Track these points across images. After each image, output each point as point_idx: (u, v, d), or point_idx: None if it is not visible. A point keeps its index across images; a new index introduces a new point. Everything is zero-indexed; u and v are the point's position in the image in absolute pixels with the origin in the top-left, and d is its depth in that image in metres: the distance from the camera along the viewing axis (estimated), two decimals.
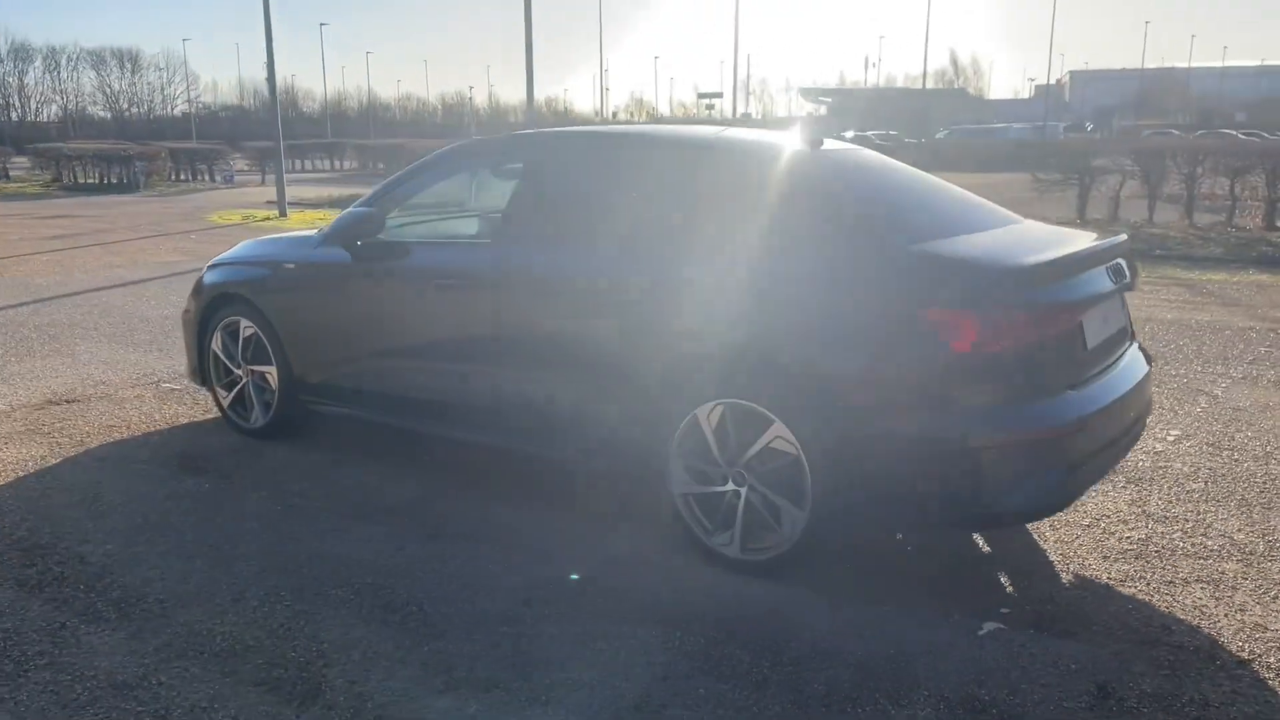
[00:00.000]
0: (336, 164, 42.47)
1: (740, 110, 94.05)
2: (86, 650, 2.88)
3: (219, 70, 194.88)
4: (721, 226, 3.44)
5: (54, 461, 4.57)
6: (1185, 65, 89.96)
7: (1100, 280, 3.24)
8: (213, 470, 4.46)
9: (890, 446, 2.98)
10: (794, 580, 3.22)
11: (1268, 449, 4.55)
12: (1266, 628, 2.93)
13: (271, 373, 4.72)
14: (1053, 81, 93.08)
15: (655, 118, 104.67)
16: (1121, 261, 3.40)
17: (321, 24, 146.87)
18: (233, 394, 4.94)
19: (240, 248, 5.15)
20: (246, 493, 4.18)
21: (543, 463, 4.16)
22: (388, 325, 4.24)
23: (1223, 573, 3.29)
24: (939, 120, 68.80)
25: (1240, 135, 49.71)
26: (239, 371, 4.88)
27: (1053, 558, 3.43)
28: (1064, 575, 3.31)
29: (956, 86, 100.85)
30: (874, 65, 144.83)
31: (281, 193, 18.47)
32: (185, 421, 5.23)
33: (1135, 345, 3.69)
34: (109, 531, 3.75)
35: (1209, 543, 3.53)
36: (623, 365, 3.53)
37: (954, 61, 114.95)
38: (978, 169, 34.68)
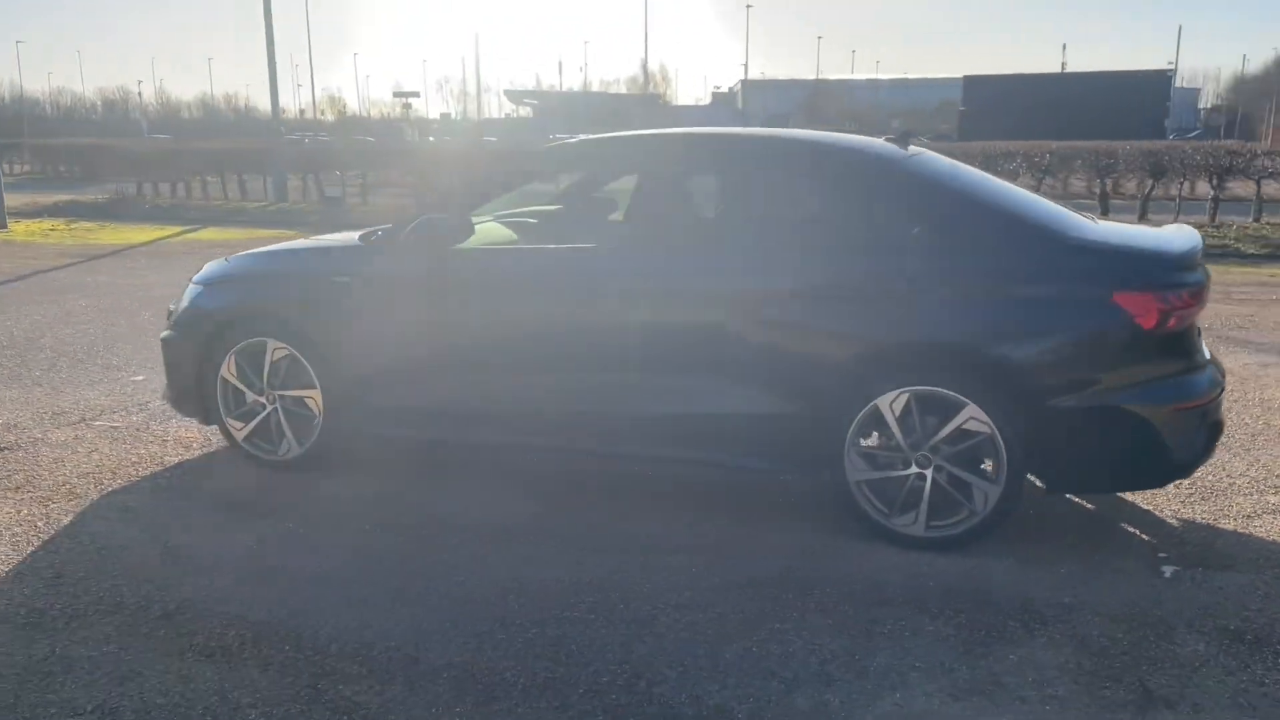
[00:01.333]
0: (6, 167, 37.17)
1: (441, 111, 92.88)
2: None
3: None
4: (878, 228, 3.67)
5: (65, 519, 3.92)
6: (844, 77, 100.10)
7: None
8: (279, 509, 4.02)
9: (1088, 417, 3.36)
10: (980, 551, 3.52)
11: None
12: None
13: (314, 397, 4.31)
14: (728, 89, 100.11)
15: (345, 116, 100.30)
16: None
17: None
18: (252, 424, 4.44)
19: (242, 262, 4.65)
20: (345, 527, 3.83)
21: (668, 469, 4.17)
22: (491, 336, 4.04)
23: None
24: (636, 125, 71.85)
25: (897, 139, 56.90)
26: (260, 399, 4.40)
27: (1161, 512, 3.96)
28: (1177, 523, 3.85)
29: (650, 92, 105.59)
30: (581, 69, 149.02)
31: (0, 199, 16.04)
32: (175, 460, 4.63)
33: None
34: (236, 586, 3.32)
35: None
36: (788, 364, 3.65)
37: (644, 68, 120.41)
38: None
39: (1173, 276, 3.38)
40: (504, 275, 4.04)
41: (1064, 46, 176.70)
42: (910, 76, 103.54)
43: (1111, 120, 44.29)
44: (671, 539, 3.70)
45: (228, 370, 4.43)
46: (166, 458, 4.67)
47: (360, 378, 4.25)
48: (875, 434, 3.60)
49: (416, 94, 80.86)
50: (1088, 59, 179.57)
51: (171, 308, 4.82)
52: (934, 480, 3.52)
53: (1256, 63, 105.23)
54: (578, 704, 2.62)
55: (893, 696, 2.66)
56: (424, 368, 4.18)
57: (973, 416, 3.43)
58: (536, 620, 3.07)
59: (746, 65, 79.59)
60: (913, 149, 4.09)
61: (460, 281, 4.07)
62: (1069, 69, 73.15)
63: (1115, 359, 3.37)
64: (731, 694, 2.67)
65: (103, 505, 4.08)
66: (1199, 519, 3.86)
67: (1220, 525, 3.80)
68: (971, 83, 59.12)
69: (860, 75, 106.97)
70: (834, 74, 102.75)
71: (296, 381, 4.34)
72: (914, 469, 3.55)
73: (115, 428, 5.13)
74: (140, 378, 6.16)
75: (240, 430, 4.49)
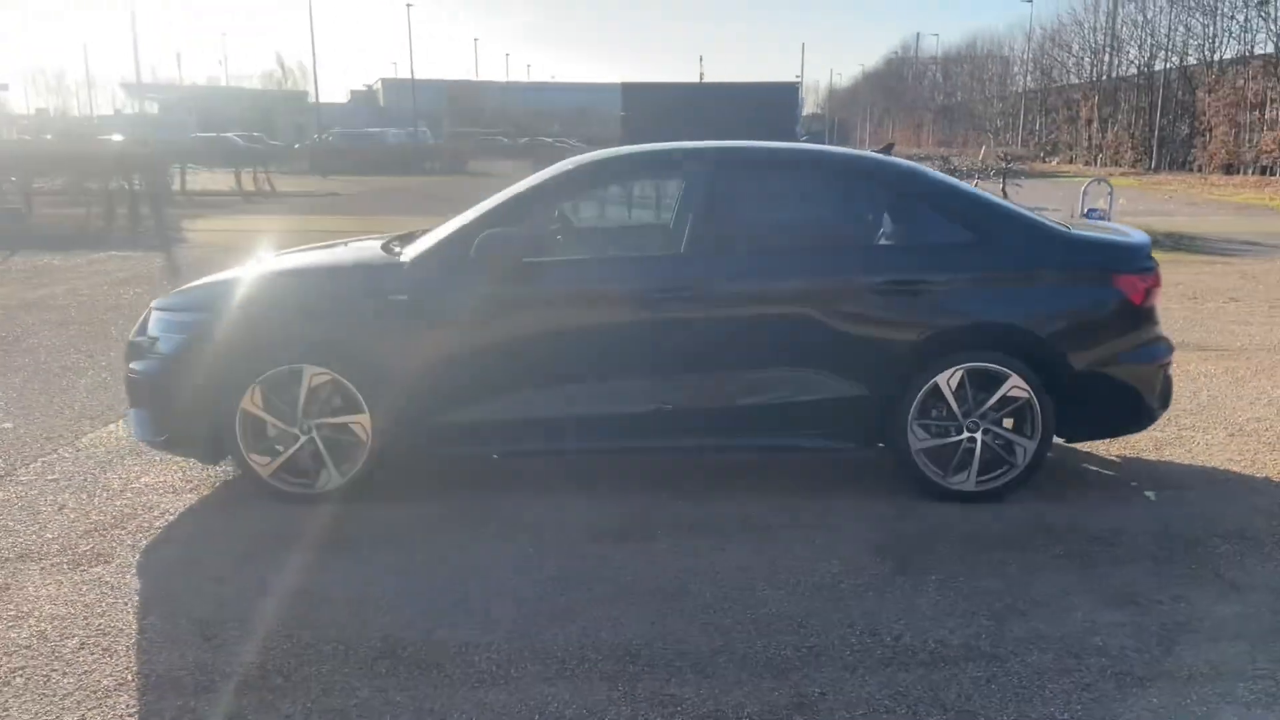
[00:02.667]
0: None
1: (38, 106, 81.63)
2: None
3: None
4: (927, 228, 4.27)
5: (134, 581, 3.50)
6: (493, 78, 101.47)
7: None
8: (423, 530, 3.86)
9: (1098, 377, 4.19)
10: (1016, 500, 4.24)
11: None
12: None
13: (361, 422, 4.13)
14: (367, 87, 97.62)
15: None
16: None
17: None
18: (282, 457, 4.15)
19: (258, 285, 4.32)
20: (506, 544, 3.77)
21: (733, 458, 4.49)
22: (575, 344, 4.13)
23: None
24: (284, 122, 68.41)
25: (555, 142, 59.23)
26: (291, 429, 4.13)
27: (1102, 455, 4.93)
28: (1118, 460, 4.83)
29: (289, 88, 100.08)
30: (221, 63, 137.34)
31: None
32: (180, 507, 4.20)
33: None
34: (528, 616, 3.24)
35: None
36: (854, 352, 4.15)
37: (281, 64, 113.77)
38: (363, 172, 36.18)
39: (1147, 263, 4.31)
40: (585, 285, 4.15)
41: (701, 58, 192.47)
42: (558, 80, 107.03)
43: (753, 126, 48.91)
44: (772, 518, 4.06)
45: (250, 402, 4.10)
46: (164, 504, 4.21)
47: (422, 397, 4.15)
48: (934, 408, 4.19)
49: (5, 86, 70.39)
50: (721, 70, 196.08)
51: (140, 339, 4.33)
52: (983, 443, 4.19)
53: (846, 76, 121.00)
54: (844, 657, 2.95)
55: (1074, 616, 3.26)
56: (501, 381, 4.16)
57: (1015, 385, 4.14)
58: (738, 599, 3.33)
59: (408, 64, 77.81)
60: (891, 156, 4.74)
61: (539, 293, 4.12)
62: (706, 79, 79.57)
63: (1116, 329, 4.23)
64: (950, 630, 3.13)
65: (162, 559, 3.66)
66: (1130, 454, 4.87)
67: (1145, 457, 4.83)
68: (629, 90, 62.48)
69: (517, 78, 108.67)
70: (493, 77, 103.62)
71: (340, 408, 4.13)
72: (966, 434, 4.19)
73: (54, 479, 4.49)
74: (8, 425, 5.33)
75: (266, 465, 4.17)
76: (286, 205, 22.18)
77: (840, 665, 2.94)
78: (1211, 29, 40.43)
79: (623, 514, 4.10)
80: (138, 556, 3.70)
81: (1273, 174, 33.76)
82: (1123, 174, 36.69)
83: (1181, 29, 42.16)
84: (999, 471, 4.23)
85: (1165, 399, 4.42)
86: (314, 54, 68.45)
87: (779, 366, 4.18)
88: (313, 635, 3.11)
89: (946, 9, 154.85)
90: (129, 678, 2.87)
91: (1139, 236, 4.51)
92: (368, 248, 4.69)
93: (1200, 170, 37.56)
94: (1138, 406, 4.32)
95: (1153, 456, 4.85)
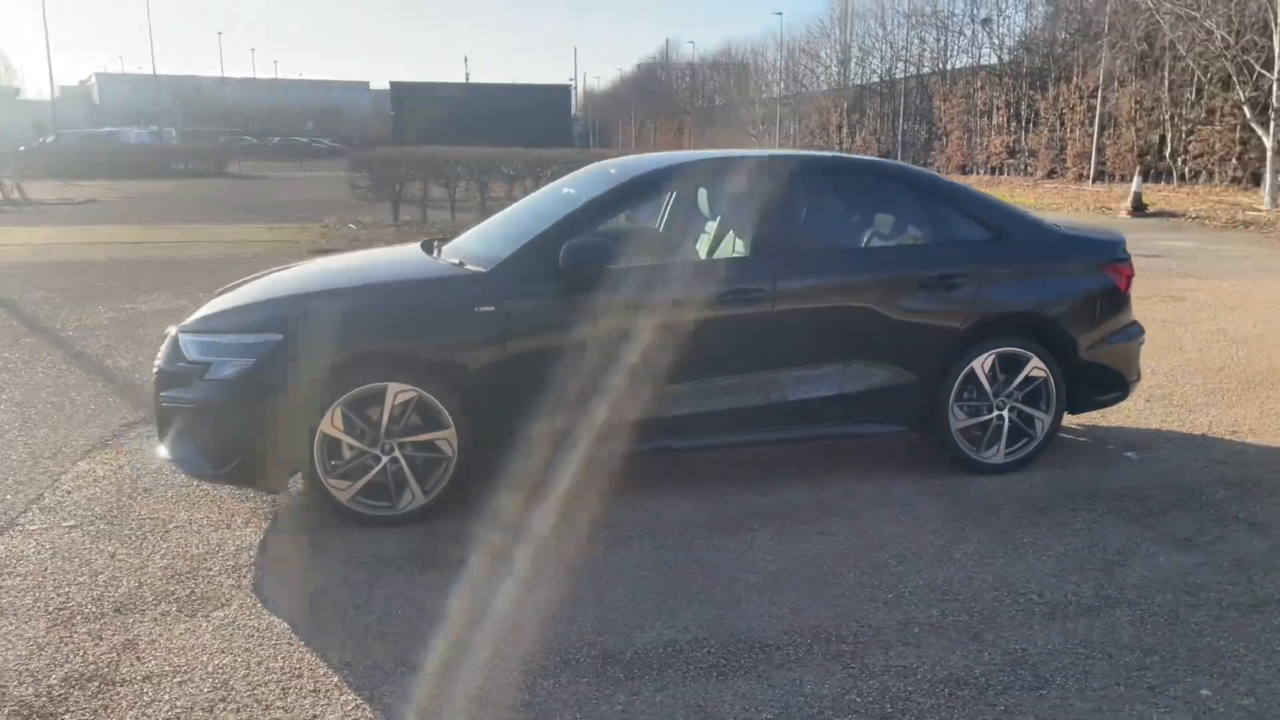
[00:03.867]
0: None
1: None
2: None
3: None
4: (958, 228, 4.70)
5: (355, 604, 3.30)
6: (246, 75, 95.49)
7: None
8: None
9: (1096, 354, 4.80)
10: (1031, 469, 4.78)
11: None
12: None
13: (447, 438, 4.04)
14: (79, 82, 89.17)
15: None
16: None
17: None
18: (363, 480, 3.99)
19: (328, 301, 4.17)
20: (629, 546, 3.80)
21: (777, 447, 4.72)
22: (662, 347, 4.22)
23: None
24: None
25: (310, 142, 56.68)
26: (373, 450, 3.99)
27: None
28: (1081, 427, 5.51)
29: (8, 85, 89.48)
30: None
31: None
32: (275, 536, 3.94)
33: None
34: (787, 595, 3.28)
35: None
36: (906, 342, 4.54)
37: None
38: (105, 176, 33.43)
39: (1125, 254, 4.97)
40: (665, 290, 4.25)
41: (466, 58, 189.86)
42: (307, 78, 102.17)
43: (528, 127, 49.26)
44: (845, 502, 4.36)
45: (330, 424, 3.92)
46: (232, 540, 3.93)
47: (508, 408, 4.11)
48: (968, 390, 4.64)
49: None
50: (483, 73, 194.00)
51: (180, 366, 4.01)
52: (1009, 419, 4.69)
53: (604, 80, 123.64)
54: (1014, 616, 3.31)
55: (1159, 561, 3.78)
56: (586, 386, 4.18)
57: (1035, 365, 4.67)
58: (882, 576, 3.61)
59: (133, 56, 71.37)
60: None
61: (623, 299, 4.18)
62: (472, 79, 78.97)
63: (1108, 313, 4.85)
64: (1076, 584, 3.56)
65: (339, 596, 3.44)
66: (1085, 424, 5.56)
67: (1098, 425, 5.55)
68: (400, 89, 60.95)
69: (262, 74, 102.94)
70: (238, 72, 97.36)
71: (423, 425, 4.02)
72: (995, 413, 4.68)
73: (74, 525, 4.05)
74: None
75: (345, 490, 3.99)
76: (50, 215, 20.10)
77: (1017, 623, 3.28)
78: (944, 42, 44.88)
79: (706, 509, 4.26)
80: (255, 596, 3.46)
81: (1001, 174, 37.98)
82: None
83: (917, 41, 46.49)
84: (1021, 443, 4.75)
85: (1139, 372, 5.11)
86: (47, 43, 61.21)
87: (843, 359, 4.48)
88: (520, 650, 3.07)
89: (701, 18, 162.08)
90: (378, 713, 2.74)
91: (1115, 233, 5.18)
92: (419, 256, 4.59)
93: (940, 171, 41.61)
94: (1124, 379, 4.98)
95: (1102, 424, 5.56)
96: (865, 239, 4.72)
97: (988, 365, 4.63)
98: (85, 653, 3.08)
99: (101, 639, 3.16)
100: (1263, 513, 4.26)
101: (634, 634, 3.21)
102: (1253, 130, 24.46)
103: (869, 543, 3.93)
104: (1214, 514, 4.24)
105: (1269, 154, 21.71)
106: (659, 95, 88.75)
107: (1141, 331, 5.06)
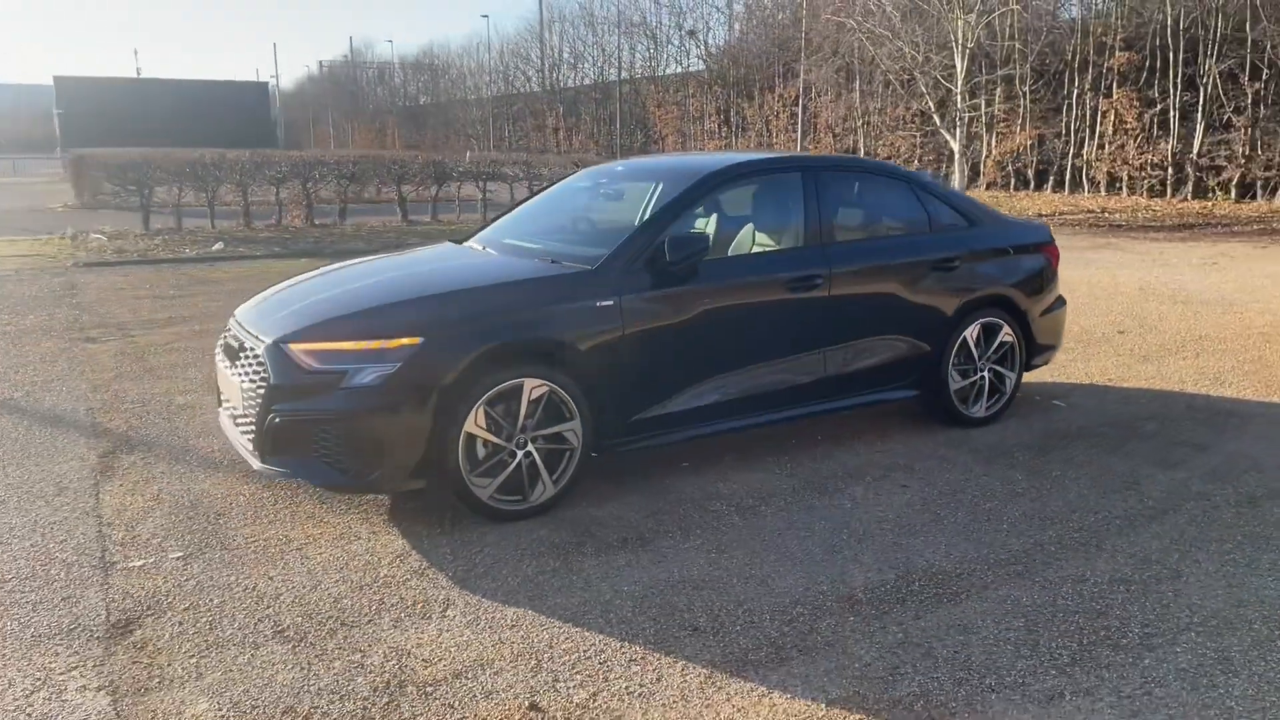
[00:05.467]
0: None
1: None
2: None
3: None
4: (939, 219, 5.47)
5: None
6: None
7: None
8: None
9: (1048, 320, 5.78)
10: (1002, 420, 5.69)
11: None
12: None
13: (573, 429, 4.20)
14: None
15: None
16: None
17: None
18: (501, 477, 4.07)
19: (458, 303, 4.18)
20: (751, 516, 4.14)
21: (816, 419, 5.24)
22: (752, 331, 4.60)
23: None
24: None
25: None
26: (508, 446, 4.09)
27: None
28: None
29: None
30: None
31: None
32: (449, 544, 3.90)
33: None
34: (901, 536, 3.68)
35: None
36: (923, 317, 5.25)
37: None
38: None
39: (1053, 238, 5.99)
40: (748, 278, 4.65)
41: (136, 52, 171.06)
42: None
43: (226, 127, 46.14)
44: (887, 461, 4.97)
45: (474, 424, 3.97)
46: (403, 544, 3.86)
47: (623, 396, 4.33)
48: (959, 355, 5.44)
49: None
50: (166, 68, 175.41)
51: (305, 378, 3.89)
52: (988, 379, 5.55)
53: (291, 79, 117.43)
54: (1105, 530, 4.09)
55: (1164, 479, 4.74)
56: (688, 371, 4.49)
57: (1006, 332, 5.56)
58: (980, 517, 4.27)
59: None
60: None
61: (715, 288, 4.53)
62: (145, 74, 71.89)
63: (1047, 287, 5.84)
64: (1120, 503, 4.42)
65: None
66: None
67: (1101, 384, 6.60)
68: (64, 84, 54.34)
69: None
70: None
71: (553, 418, 4.16)
72: (979, 374, 5.52)
73: (242, 554, 3.79)
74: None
75: (487, 488, 4.05)
76: None
77: (1114, 533, 4.05)
78: (653, 50, 47.32)
79: (789, 476, 4.71)
80: (469, 591, 3.48)
81: None
82: None
83: (628, 48, 48.65)
84: (995, 399, 5.62)
85: (1061, 337, 6.18)
86: None
87: (877, 334, 5.10)
88: (771, 602, 3.39)
89: (403, 18, 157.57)
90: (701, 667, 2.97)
91: (1041, 221, 6.20)
92: (498, 256, 4.73)
93: None
94: (1055, 343, 6.01)
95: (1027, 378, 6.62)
96: (886, 229, 5.37)
97: (975, 334, 5.45)
98: (362, 663, 3.01)
99: (362, 649, 3.09)
100: (1191, 436, 5.38)
101: (846, 579, 3.61)
102: (932, 135, 28.33)
103: (946, 490, 4.56)
104: (1161, 441, 5.30)
105: (956, 157, 25.19)
106: (355, 95, 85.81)
107: (1065, 303, 6.12)
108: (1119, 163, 25.92)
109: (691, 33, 44.21)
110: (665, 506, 4.31)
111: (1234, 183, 23.73)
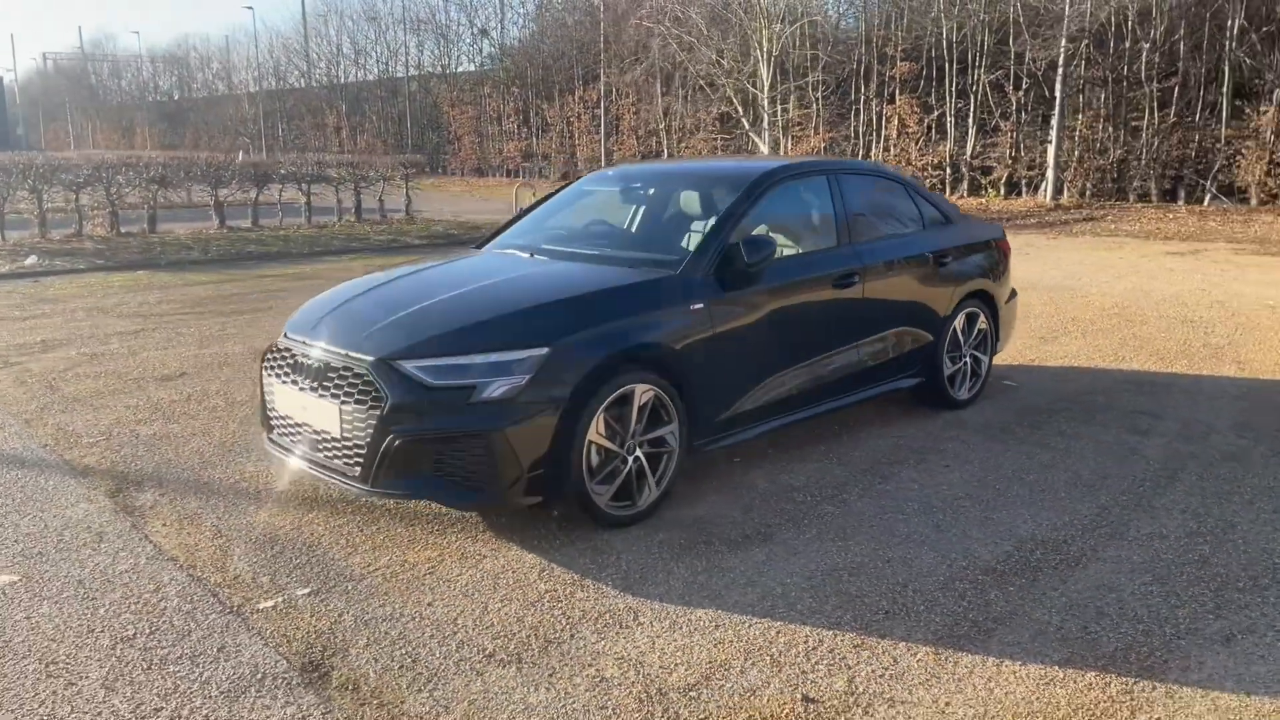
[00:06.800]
0: None
1: None
2: None
3: None
4: (927, 217, 5.89)
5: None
6: None
7: None
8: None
9: (1008, 309, 6.36)
10: (978, 401, 6.21)
11: None
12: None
13: (672, 432, 4.25)
14: None
15: None
16: None
17: None
18: (616, 483, 4.07)
19: (573, 308, 4.14)
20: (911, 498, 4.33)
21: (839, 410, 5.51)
22: (792, 330, 4.77)
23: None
24: None
25: None
26: (620, 451, 4.09)
27: None
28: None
29: None
30: None
31: None
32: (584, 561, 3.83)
33: None
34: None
35: None
36: (929, 308, 5.65)
37: None
38: None
39: (1004, 234, 6.58)
40: (809, 276, 4.87)
41: None
42: None
43: None
44: (917, 444, 5.34)
45: (595, 432, 3.95)
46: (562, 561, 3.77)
47: (716, 397, 4.43)
48: (953, 344, 5.90)
49: None
50: None
51: (430, 395, 3.73)
52: (969, 363, 6.05)
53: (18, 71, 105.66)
54: (1149, 478, 4.62)
55: (1150, 444, 5.36)
56: (758, 370, 4.63)
57: (982, 320, 6.08)
58: (1034, 488, 4.69)
59: None
60: None
61: (785, 285, 4.71)
62: None
63: (1006, 277, 6.41)
64: (1133, 460, 4.99)
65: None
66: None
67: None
68: None
69: None
70: None
71: (656, 422, 4.20)
72: (965, 359, 6.01)
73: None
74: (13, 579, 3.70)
75: (604, 495, 4.04)
76: None
77: (1152, 494, 4.55)
78: (444, 46, 46.40)
79: (839, 465, 4.96)
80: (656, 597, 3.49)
81: (519, 176, 40.69)
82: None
83: (415, 45, 47.45)
84: (974, 382, 6.13)
85: (1014, 324, 6.80)
86: None
87: (895, 326, 5.44)
88: (912, 574, 3.63)
89: (143, 7, 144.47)
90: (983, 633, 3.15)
91: (994, 220, 6.77)
92: (560, 262, 4.81)
93: (456, 175, 43.23)
94: (1012, 329, 6.61)
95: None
96: (894, 228, 5.71)
97: (961, 323, 5.92)
98: (603, 676, 2.97)
99: (590, 663, 3.04)
100: (1139, 405, 6.10)
101: (972, 554, 3.88)
102: (732, 139, 29.68)
103: (985, 466, 4.95)
104: (1120, 412, 5.98)
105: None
106: (95, 90, 78.56)
107: (1017, 294, 6.74)
108: (904, 163, 28.15)
109: (484, 31, 43.78)
110: (754, 502, 4.43)
111: (1003, 181, 26.38)
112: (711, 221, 4.71)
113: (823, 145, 29.46)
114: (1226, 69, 22.23)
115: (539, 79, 40.26)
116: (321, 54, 53.09)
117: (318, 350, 4.04)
